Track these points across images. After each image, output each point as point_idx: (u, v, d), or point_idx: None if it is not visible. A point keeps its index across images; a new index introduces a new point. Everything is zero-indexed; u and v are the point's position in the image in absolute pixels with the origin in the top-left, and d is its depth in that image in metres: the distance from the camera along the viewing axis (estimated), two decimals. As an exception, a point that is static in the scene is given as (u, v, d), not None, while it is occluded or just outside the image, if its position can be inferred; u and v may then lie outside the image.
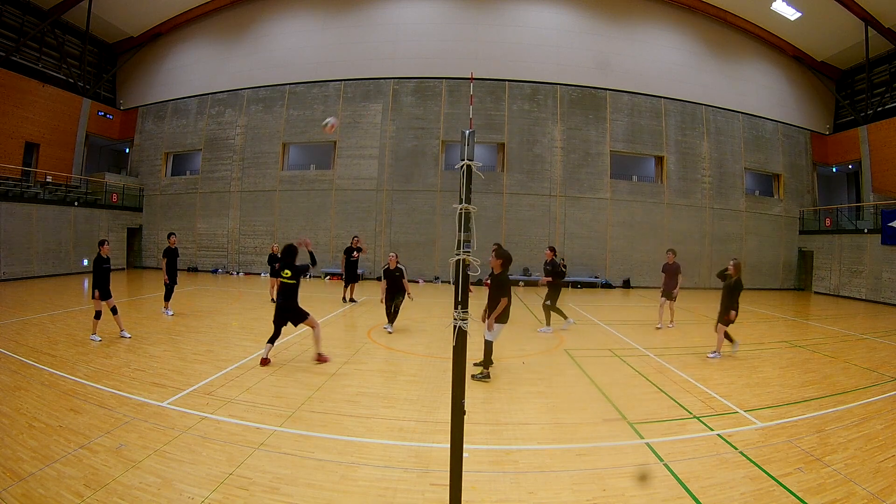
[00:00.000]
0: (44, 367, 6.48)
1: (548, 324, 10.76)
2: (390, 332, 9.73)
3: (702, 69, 22.57)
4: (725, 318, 8.20)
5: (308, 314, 7.30)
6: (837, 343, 10.13)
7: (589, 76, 21.53)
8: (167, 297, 11.11)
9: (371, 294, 16.22)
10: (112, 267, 8.96)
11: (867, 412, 5.72)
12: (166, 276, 11.02)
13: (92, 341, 8.09)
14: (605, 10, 22.03)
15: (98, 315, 8.28)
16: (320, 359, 7.33)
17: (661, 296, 11.41)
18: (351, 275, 13.83)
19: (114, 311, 8.47)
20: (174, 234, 11.72)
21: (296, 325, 7.41)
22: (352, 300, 13.96)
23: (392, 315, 9.85)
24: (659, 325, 11.39)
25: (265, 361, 7.08)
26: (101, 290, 8.28)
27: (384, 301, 9.72)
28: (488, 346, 6.67)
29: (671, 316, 11.58)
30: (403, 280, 9.79)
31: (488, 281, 7.01)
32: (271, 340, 7.23)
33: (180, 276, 11.63)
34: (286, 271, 7.18)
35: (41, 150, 21.00)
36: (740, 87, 22.88)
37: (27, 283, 16.48)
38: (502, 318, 6.65)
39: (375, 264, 21.16)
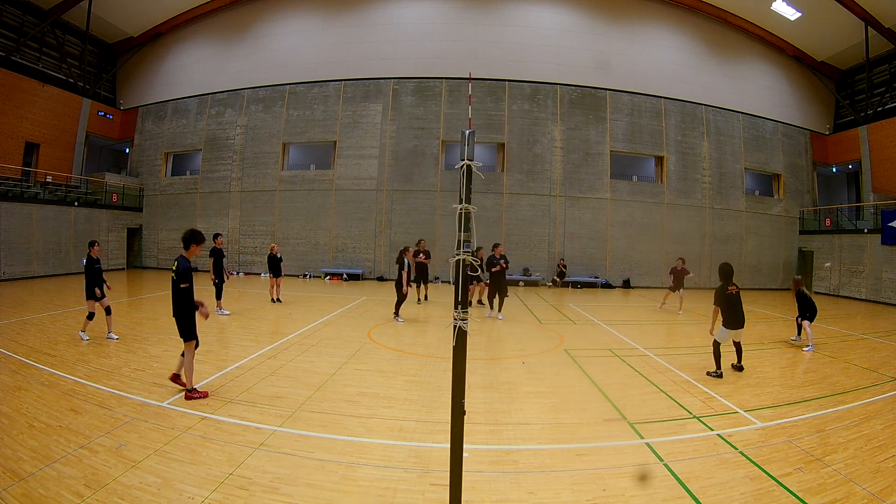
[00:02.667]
0: (44, 367, 6.48)
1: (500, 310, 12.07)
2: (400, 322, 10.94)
3: (702, 69, 22.57)
4: (807, 315, 9.66)
5: (191, 335, 5.63)
6: (837, 343, 10.12)
7: (589, 76, 21.52)
8: (218, 296, 11.38)
9: (369, 294, 16.23)
10: (112, 267, 8.94)
11: (867, 412, 5.72)
12: (213, 276, 11.34)
13: (81, 339, 8.14)
14: (605, 10, 22.02)
15: (91, 316, 8.29)
16: (192, 395, 5.55)
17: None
18: (419, 275, 14.38)
19: (107, 311, 8.43)
20: (221, 234, 12.20)
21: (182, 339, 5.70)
22: (424, 298, 14.69)
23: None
24: (659, 306, 14.52)
25: (195, 393, 5.62)
26: (100, 289, 8.28)
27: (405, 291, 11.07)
28: (715, 345, 7.37)
29: (679, 304, 14.02)
30: (403, 272, 10.94)
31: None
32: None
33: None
34: (174, 263, 5.68)
35: (41, 150, 21.01)
36: (740, 87, 22.88)
37: (27, 283, 16.49)
38: (727, 323, 7.32)
39: (375, 264, 21.17)
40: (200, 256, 23.58)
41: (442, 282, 20.08)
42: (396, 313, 11.13)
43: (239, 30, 23.46)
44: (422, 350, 8.52)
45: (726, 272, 7.37)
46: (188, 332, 5.63)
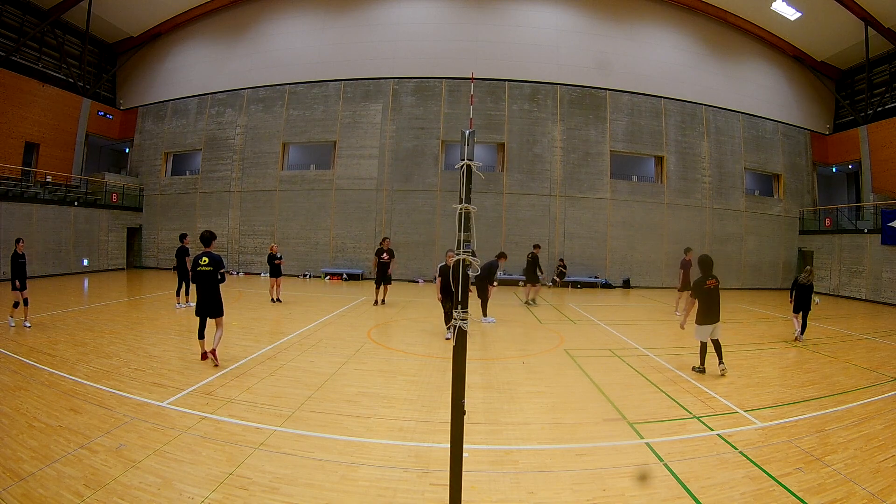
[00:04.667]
0: (44, 367, 6.48)
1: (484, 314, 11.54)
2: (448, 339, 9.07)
3: (702, 69, 22.56)
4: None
5: (222, 313, 7.06)
6: (837, 343, 10.13)
7: (589, 76, 21.51)
8: (178, 292, 12.12)
9: (369, 294, 16.21)
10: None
11: (867, 412, 5.72)
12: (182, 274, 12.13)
13: (10, 326, 8.80)
14: (605, 10, 22.01)
15: (17, 304, 8.99)
16: (208, 356, 6.93)
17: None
18: (381, 276, 13.61)
19: (25, 302, 9.05)
20: (187, 235, 12.84)
21: (211, 318, 7.02)
22: (381, 301, 13.71)
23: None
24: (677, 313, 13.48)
25: (205, 356, 6.97)
26: (20, 282, 8.99)
27: (441, 301, 9.51)
28: (701, 346, 7.38)
29: (676, 304, 13.49)
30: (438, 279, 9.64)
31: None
32: (201, 335, 7.02)
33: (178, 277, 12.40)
34: (204, 258, 6.89)
35: (41, 150, 20.99)
36: (740, 87, 22.87)
37: (27, 282, 16.42)
38: (699, 318, 7.26)
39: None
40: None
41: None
42: (448, 326, 9.28)
43: (239, 30, 23.45)
44: (422, 350, 8.51)
45: (706, 264, 7.32)
46: (222, 310, 7.03)
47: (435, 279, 9.85)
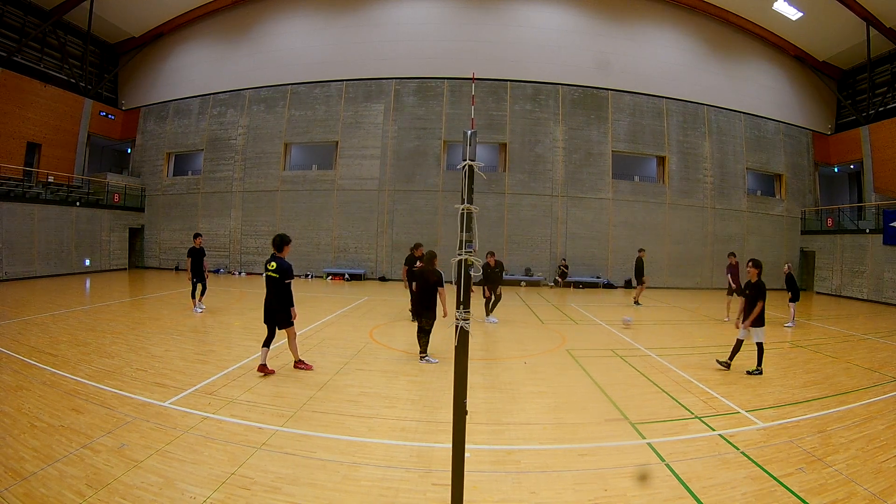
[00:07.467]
0: (46, 367, 6.48)
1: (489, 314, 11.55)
2: (435, 362, 7.52)
3: (703, 69, 22.53)
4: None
5: (291, 323, 6.64)
6: (839, 343, 10.11)
7: (590, 76, 21.51)
8: (193, 295, 11.67)
9: (371, 294, 16.23)
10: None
11: (869, 413, 5.71)
12: (192, 275, 11.55)
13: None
14: (607, 10, 22.00)
15: None
16: (300, 366, 6.85)
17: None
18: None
19: None
20: (200, 235, 12.27)
21: (279, 329, 6.67)
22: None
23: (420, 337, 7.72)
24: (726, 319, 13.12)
25: (262, 368, 6.55)
26: None
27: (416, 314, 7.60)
28: (759, 347, 7.40)
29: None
30: (440, 290, 7.59)
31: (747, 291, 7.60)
32: (266, 343, 6.64)
33: (182, 277, 12.23)
34: (272, 263, 6.53)
35: (43, 151, 21.02)
36: (742, 87, 22.85)
37: (29, 283, 16.51)
38: (762, 321, 7.34)
39: (377, 264, 21.16)
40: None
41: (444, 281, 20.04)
42: (423, 352, 7.72)
43: (241, 30, 23.48)
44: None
45: (761, 267, 7.42)
46: (288, 321, 6.62)
47: (410, 285, 7.50)
